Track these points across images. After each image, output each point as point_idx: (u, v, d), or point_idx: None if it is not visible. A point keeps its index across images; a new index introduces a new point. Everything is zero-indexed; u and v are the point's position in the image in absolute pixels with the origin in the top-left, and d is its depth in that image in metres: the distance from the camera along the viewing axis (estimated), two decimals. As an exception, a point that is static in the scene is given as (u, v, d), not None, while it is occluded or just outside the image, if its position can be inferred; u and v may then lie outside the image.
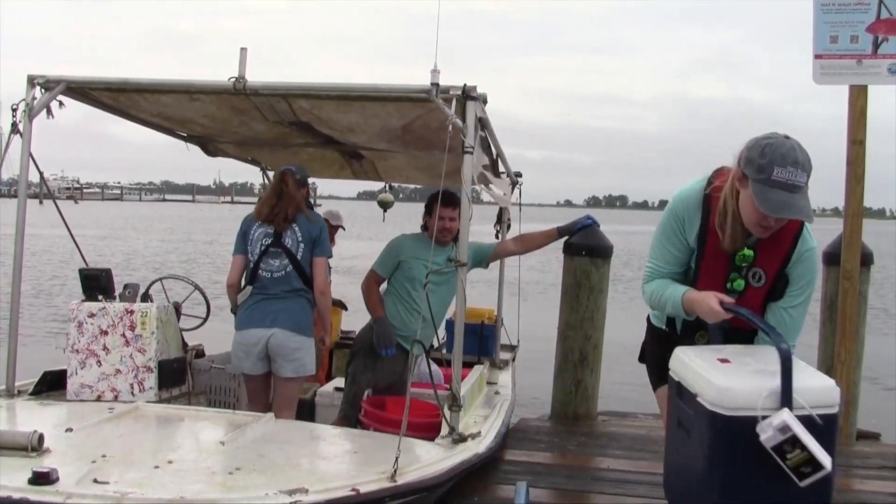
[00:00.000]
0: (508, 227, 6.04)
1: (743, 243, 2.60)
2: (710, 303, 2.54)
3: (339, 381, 4.98)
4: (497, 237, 5.88)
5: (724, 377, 2.31)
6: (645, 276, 2.82)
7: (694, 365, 2.45)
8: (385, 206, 6.76)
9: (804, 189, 2.42)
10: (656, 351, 2.98)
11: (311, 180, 5.39)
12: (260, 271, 4.24)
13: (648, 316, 3.05)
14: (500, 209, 6.10)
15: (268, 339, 4.15)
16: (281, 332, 4.15)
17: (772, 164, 2.39)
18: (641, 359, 3.16)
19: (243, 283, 4.35)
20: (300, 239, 4.24)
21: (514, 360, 6.48)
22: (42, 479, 2.59)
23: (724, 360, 2.43)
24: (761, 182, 2.40)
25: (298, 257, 4.23)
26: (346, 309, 6.61)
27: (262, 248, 4.23)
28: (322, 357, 5.89)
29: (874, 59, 4.01)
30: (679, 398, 2.52)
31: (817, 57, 4.06)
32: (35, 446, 2.92)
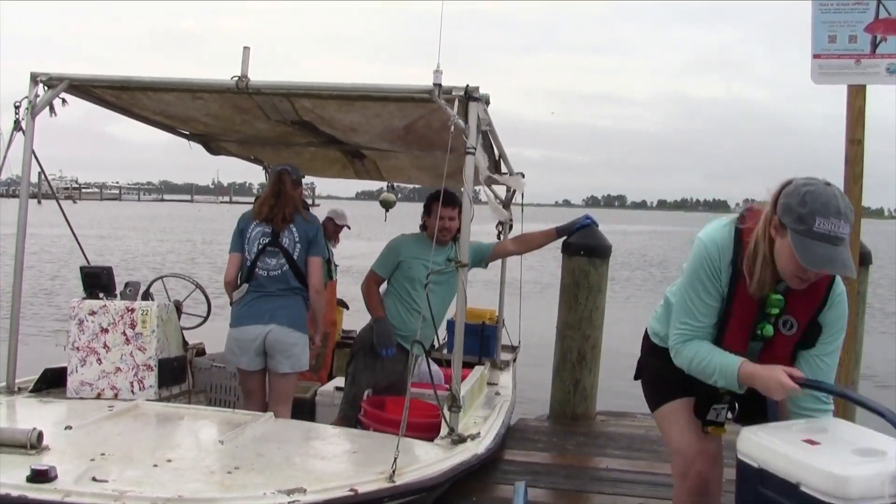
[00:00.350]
0: (510, 227, 6.05)
1: (771, 288, 2.44)
2: (781, 379, 2.33)
3: (340, 381, 4.98)
4: (499, 237, 5.88)
5: (834, 463, 2.09)
6: (678, 337, 2.55)
7: (781, 449, 2.23)
8: (387, 205, 6.76)
9: (846, 240, 2.25)
10: (657, 365, 2.80)
11: (310, 180, 5.39)
12: (257, 269, 4.28)
13: (647, 332, 2.88)
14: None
15: (265, 335, 4.19)
16: (279, 329, 4.19)
17: (813, 214, 2.22)
18: (638, 377, 2.95)
19: (239, 280, 4.37)
20: (297, 239, 4.29)
21: (514, 360, 6.48)
22: (40, 476, 2.60)
23: (811, 441, 2.22)
24: (802, 234, 2.24)
25: (294, 257, 4.28)
26: (347, 308, 6.63)
27: (260, 246, 4.27)
28: (325, 356, 5.91)
29: (873, 58, 4.01)
30: (762, 485, 2.29)
31: (815, 57, 4.06)
32: (34, 444, 2.93)
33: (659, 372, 2.78)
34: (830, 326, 2.48)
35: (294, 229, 4.28)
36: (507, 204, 6.20)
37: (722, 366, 2.44)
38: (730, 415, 2.62)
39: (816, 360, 2.48)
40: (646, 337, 2.88)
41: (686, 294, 2.52)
